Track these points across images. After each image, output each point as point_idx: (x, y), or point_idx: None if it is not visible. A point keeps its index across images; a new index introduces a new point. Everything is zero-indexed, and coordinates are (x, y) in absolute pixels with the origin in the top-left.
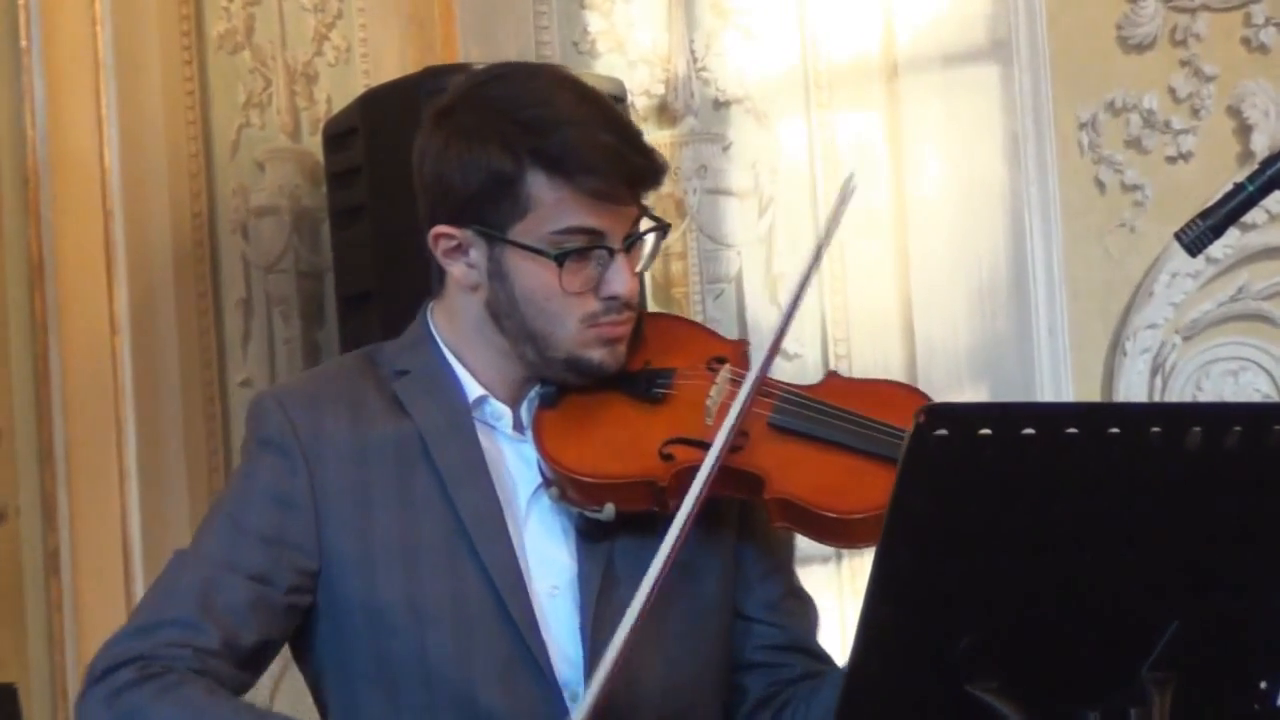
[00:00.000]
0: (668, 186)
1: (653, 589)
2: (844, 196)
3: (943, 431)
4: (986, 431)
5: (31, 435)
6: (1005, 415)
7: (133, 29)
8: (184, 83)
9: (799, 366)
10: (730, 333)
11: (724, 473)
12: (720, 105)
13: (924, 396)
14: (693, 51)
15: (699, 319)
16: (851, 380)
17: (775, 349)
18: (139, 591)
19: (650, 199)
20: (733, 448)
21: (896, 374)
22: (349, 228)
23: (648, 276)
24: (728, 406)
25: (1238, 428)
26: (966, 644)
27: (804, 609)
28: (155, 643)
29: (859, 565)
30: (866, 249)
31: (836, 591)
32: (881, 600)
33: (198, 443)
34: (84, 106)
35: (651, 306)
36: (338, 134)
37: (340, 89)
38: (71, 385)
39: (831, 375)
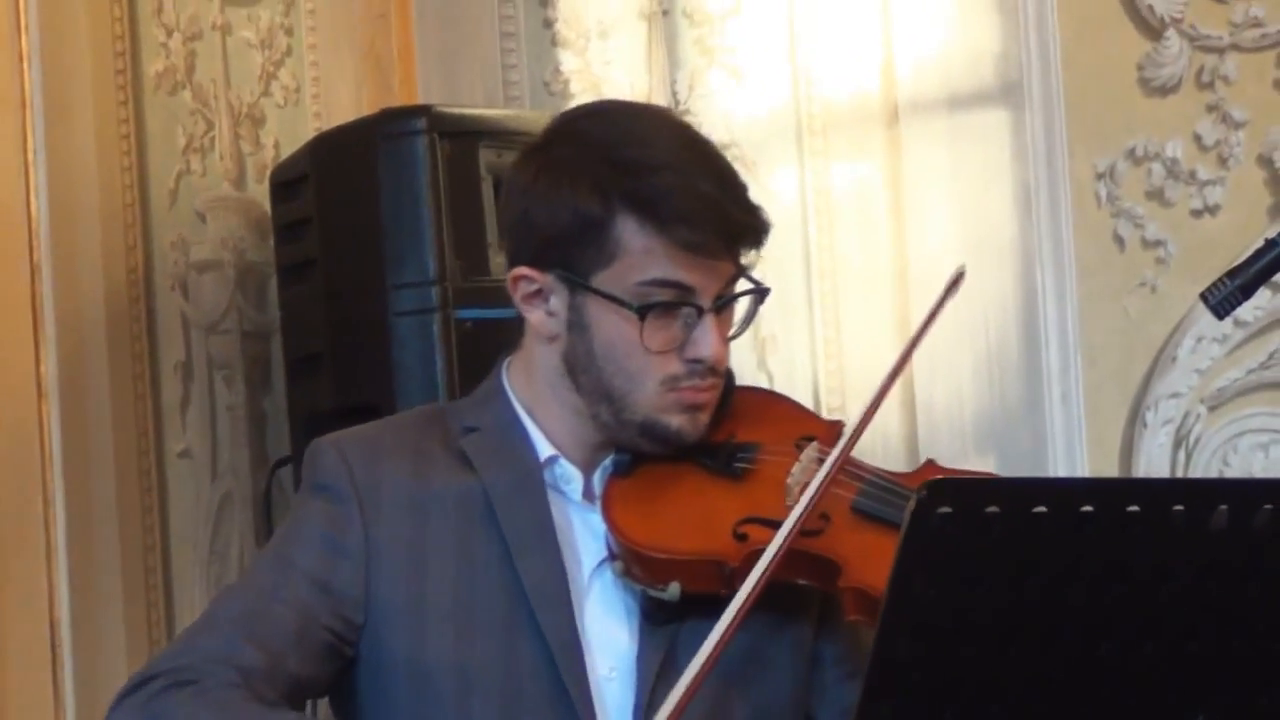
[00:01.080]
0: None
1: (705, 664)
2: (952, 286)
3: (946, 509)
4: (994, 509)
5: None
6: (1015, 491)
7: (63, 66)
8: (119, 125)
9: None
10: None
11: (798, 556)
12: None
13: None
14: (674, 93)
15: None
16: (950, 470)
17: (863, 426)
18: (68, 684)
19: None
20: (811, 531)
21: (897, 444)
22: (298, 284)
23: None
24: (810, 486)
25: (1268, 506)
26: None
27: None
28: (193, 659)
29: None
30: (864, 308)
31: None
32: (880, 691)
33: (132, 518)
34: (9, 149)
35: None
36: (286, 181)
37: (289, 132)
38: None
39: (929, 464)
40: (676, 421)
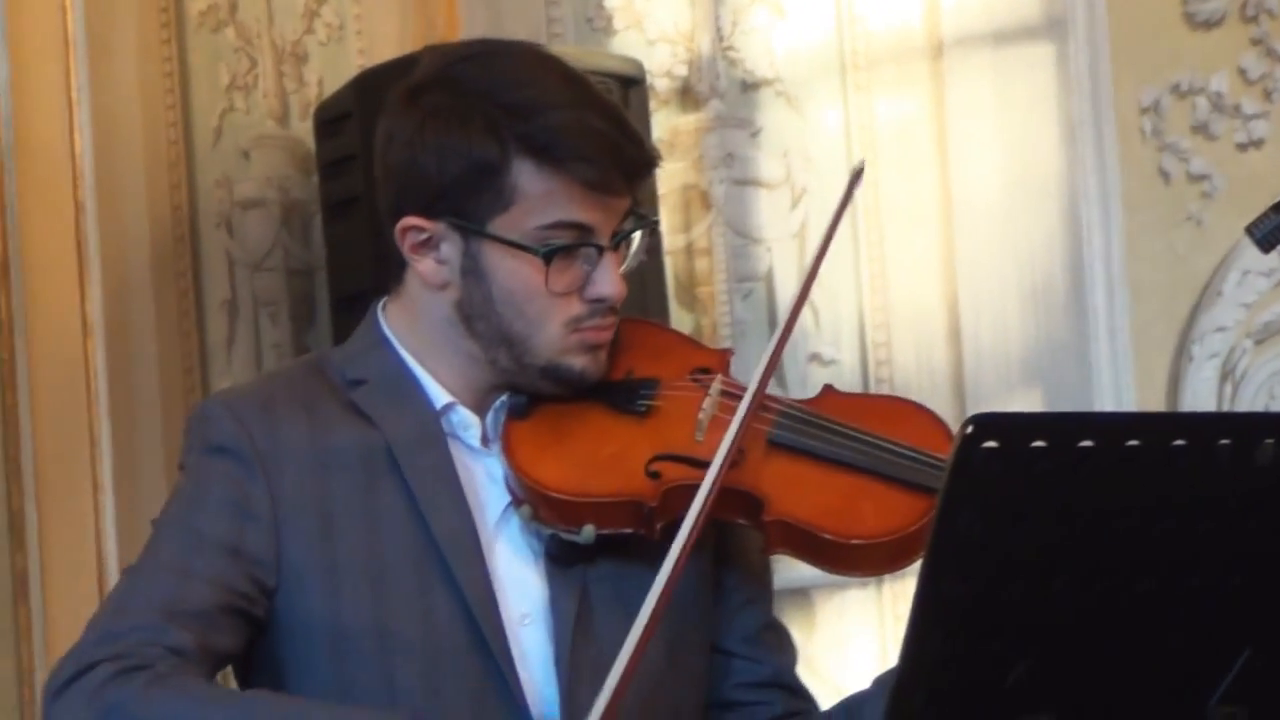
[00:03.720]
0: (692, 177)
1: (649, 623)
2: (853, 182)
3: (992, 444)
4: (1040, 444)
5: None
6: (1060, 425)
7: (106, 5)
8: (162, 63)
9: (835, 373)
10: (762, 335)
11: (720, 492)
12: (749, 88)
13: (930, 413)
14: (718, 29)
15: (726, 319)
16: (852, 395)
17: (777, 357)
18: None
19: (672, 190)
20: (729, 465)
21: (942, 380)
22: (343, 221)
23: (669, 275)
24: (723, 421)
25: None
26: (1018, 675)
27: (782, 641)
28: (127, 644)
29: (901, 590)
30: (909, 245)
31: (877, 619)
32: (926, 628)
33: (178, 455)
34: (53, 89)
35: (674, 307)
36: (330, 119)
37: (333, 70)
38: (40, 393)
39: (828, 390)
40: (580, 362)
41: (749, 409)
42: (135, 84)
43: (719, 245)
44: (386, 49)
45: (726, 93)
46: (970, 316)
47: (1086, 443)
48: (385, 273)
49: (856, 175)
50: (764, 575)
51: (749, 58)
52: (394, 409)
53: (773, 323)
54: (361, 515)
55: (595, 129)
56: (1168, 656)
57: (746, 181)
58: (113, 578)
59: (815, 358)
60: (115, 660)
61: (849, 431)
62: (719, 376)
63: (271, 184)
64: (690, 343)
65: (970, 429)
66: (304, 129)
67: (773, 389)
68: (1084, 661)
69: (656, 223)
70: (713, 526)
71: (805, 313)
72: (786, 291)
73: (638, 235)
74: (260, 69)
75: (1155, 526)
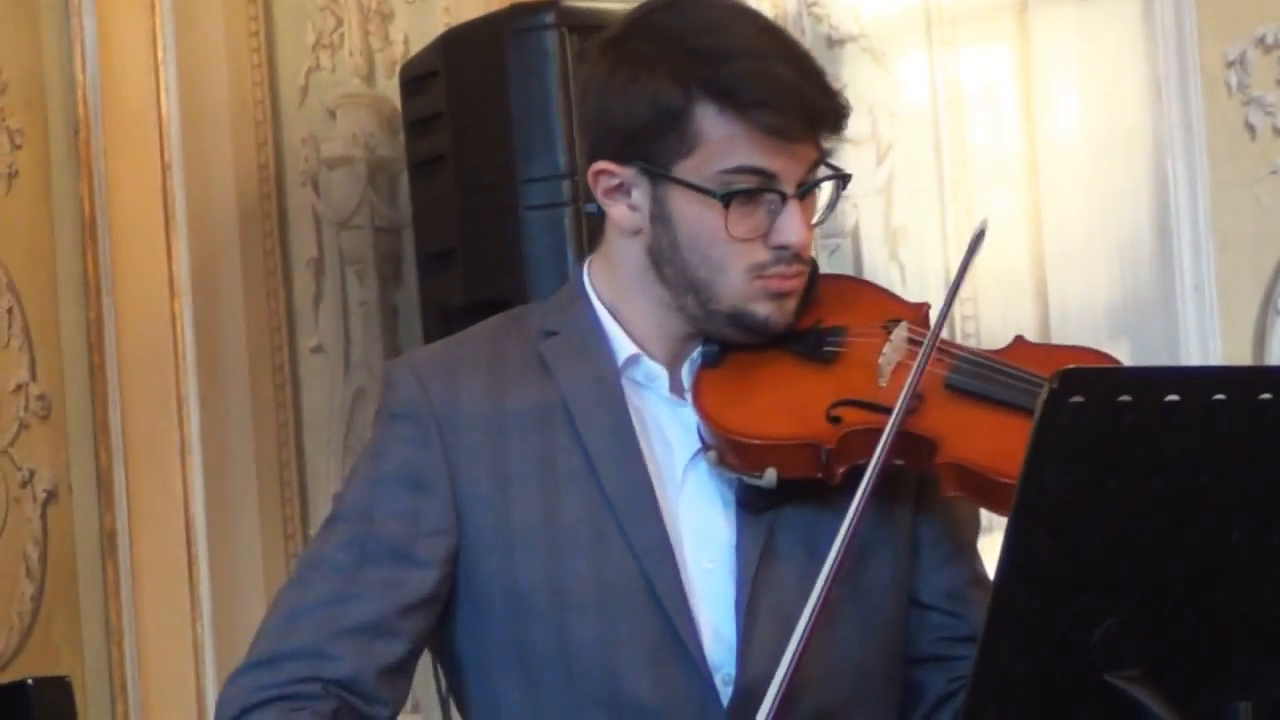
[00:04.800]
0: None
1: (831, 571)
2: (974, 245)
3: (1079, 398)
4: (1127, 398)
5: (85, 408)
6: (1147, 380)
7: None
8: (248, 22)
9: None
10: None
11: (897, 437)
12: (834, 44)
13: (1112, 359)
14: None
15: None
16: (1039, 345)
17: (950, 303)
18: (202, 577)
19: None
20: (908, 410)
21: (1028, 334)
22: (429, 179)
23: None
24: (905, 366)
25: None
26: (1105, 630)
27: (988, 598)
28: (281, 678)
29: (987, 545)
30: (995, 199)
31: None
32: (1012, 583)
33: (266, 414)
34: (139, 48)
35: None
36: (416, 77)
37: (419, 28)
38: (128, 353)
39: (1019, 340)
40: (764, 309)
41: (926, 354)
42: (221, 43)
43: None
44: (472, 8)
45: (812, 48)
46: (1056, 271)
47: (1172, 397)
48: (472, 229)
49: (978, 237)
50: (968, 530)
51: (834, 14)
52: (577, 362)
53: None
54: (537, 476)
55: (779, 76)
56: (1255, 612)
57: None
58: (200, 536)
59: None
60: (275, 703)
61: (1025, 375)
62: (904, 323)
63: (357, 142)
64: (889, 296)
65: (1056, 384)
66: (390, 87)
67: None
68: (1171, 618)
69: (848, 176)
70: (912, 480)
71: (893, 269)
72: (871, 247)
73: (827, 186)
74: (346, 27)
75: (1242, 480)
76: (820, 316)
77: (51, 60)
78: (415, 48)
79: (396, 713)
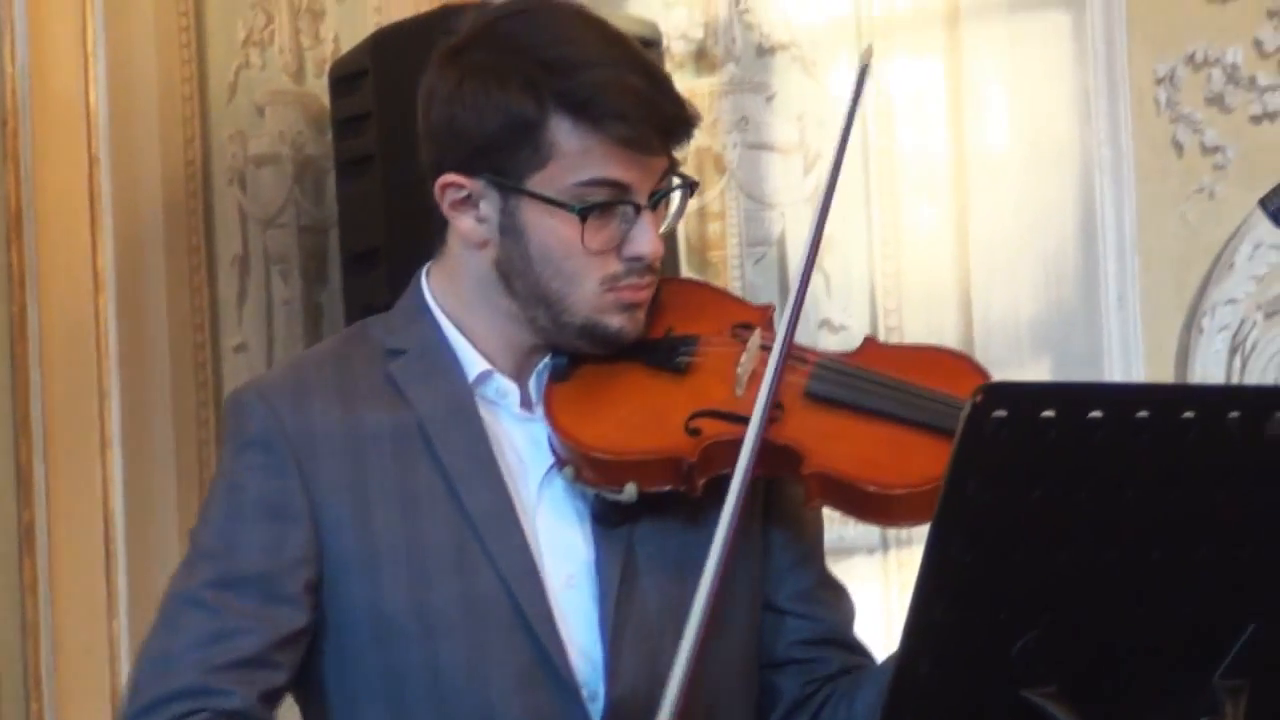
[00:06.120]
0: (706, 140)
1: (712, 586)
2: (862, 75)
3: (1001, 412)
4: (1050, 413)
5: (6, 401)
6: (1070, 396)
7: None
8: (178, 17)
9: (845, 339)
10: (773, 300)
11: (761, 449)
12: (764, 52)
13: (970, 361)
14: None
15: (738, 284)
16: (891, 346)
17: (800, 303)
18: (121, 575)
19: (687, 155)
20: (768, 420)
21: (952, 345)
22: (356, 179)
23: (681, 239)
24: (760, 375)
25: None
26: (1023, 645)
27: (838, 598)
28: (172, 715)
29: (907, 557)
30: (922, 212)
31: (882, 584)
32: (932, 596)
33: (187, 412)
34: (68, 41)
35: (685, 271)
36: (345, 76)
37: (349, 27)
38: (50, 347)
39: (869, 341)
40: (617, 321)
41: (778, 364)
42: (151, 38)
43: (732, 209)
44: (402, 8)
45: (742, 56)
46: (981, 284)
47: (1096, 413)
48: (398, 229)
49: (864, 69)
50: (815, 532)
51: (765, 21)
52: (428, 382)
53: (784, 287)
54: (397, 498)
55: (633, 87)
56: (1174, 629)
57: (760, 146)
58: (119, 533)
59: (825, 323)
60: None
61: (886, 381)
62: (757, 330)
63: (285, 140)
64: (732, 299)
65: (979, 397)
66: (319, 86)
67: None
68: (1090, 633)
69: (696, 183)
70: (759, 487)
71: (816, 278)
72: (797, 256)
73: (677, 195)
74: (276, 25)
75: (1164, 498)
76: (670, 325)
77: None
78: (345, 46)
79: None
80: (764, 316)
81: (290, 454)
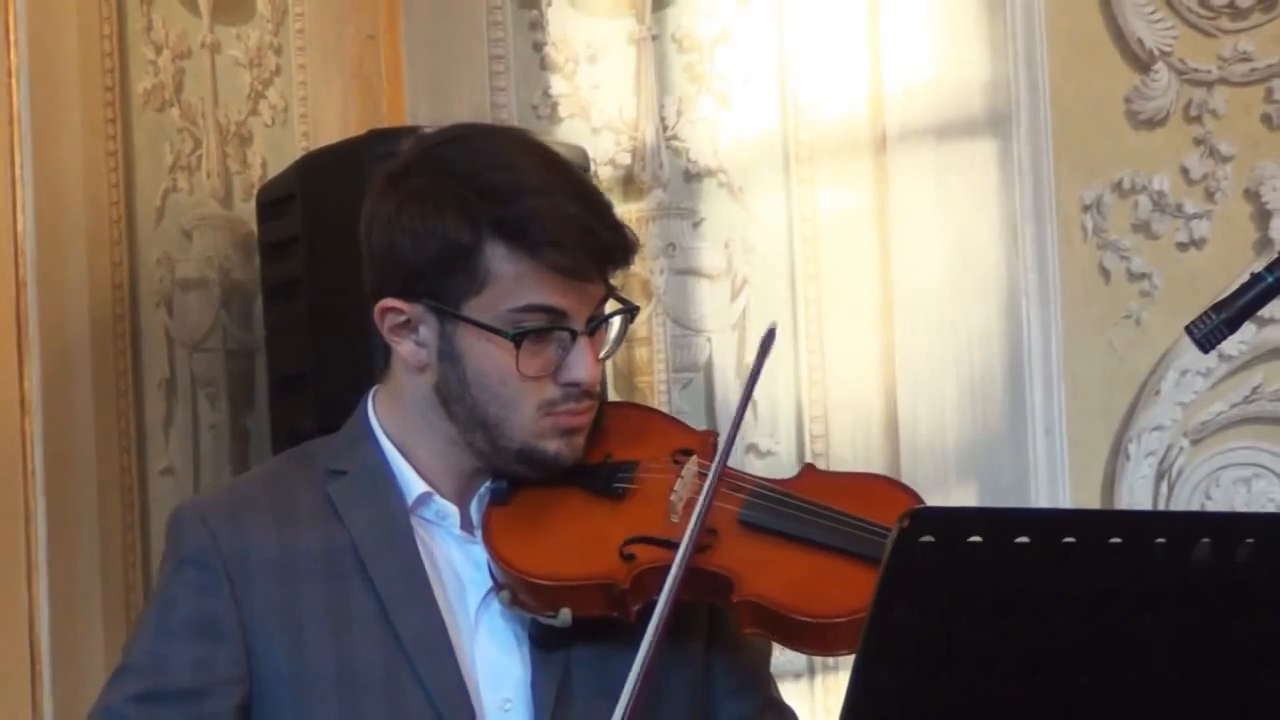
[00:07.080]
0: (633, 265)
1: (628, 707)
2: (765, 348)
3: (929, 538)
4: (977, 539)
5: None
6: (997, 521)
7: (52, 82)
8: (106, 141)
9: (772, 464)
10: (700, 426)
11: (691, 574)
12: (692, 177)
13: (907, 490)
14: (663, 118)
15: (665, 409)
16: (829, 474)
17: (733, 437)
18: (46, 700)
19: (616, 279)
20: (700, 547)
21: (878, 469)
22: (283, 303)
23: (609, 364)
24: (695, 502)
25: (1250, 540)
26: None
27: None
28: None
29: (834, 683)
30: (848, 336)
31: (808, 711)
32: None
33: (114, 535)
34: None
35: (613, 396)
36: (273, 200)
37: (277, 152)
38: None
39: (808, 469)
40: (554, 446)
41: (710, 492)
42: (79, 161)
43: (659, 335)
44: (330, 132)
45: (670, 182)
46: (908, 409)
47: (1023, 539)
48: (325, 354)
49: (767, 340)
50: (757, 658)
51: (693, 147)
52: (365, 504)
53: (711, 413)
54: (330, 621)
55: (569, 215)
56: None
57: (688, 271)
58: (45, 658)
59: (753, 449)
60: None
61: (819, 509)
62: (694, 457)
63: (213, 264)
64: (675, 425)
65: (906, 522)
66: (247, 210)
67: None
68: None
69: (636, 309)
70: (703, 613)
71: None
72: (725, 383)
73: (616, 321)
74: (204, 149)
75: (1091, 621)
76: (610, 450)
77: None
78: (273, 171)
79: None
80: (704, 442)
81: (224, 574)
